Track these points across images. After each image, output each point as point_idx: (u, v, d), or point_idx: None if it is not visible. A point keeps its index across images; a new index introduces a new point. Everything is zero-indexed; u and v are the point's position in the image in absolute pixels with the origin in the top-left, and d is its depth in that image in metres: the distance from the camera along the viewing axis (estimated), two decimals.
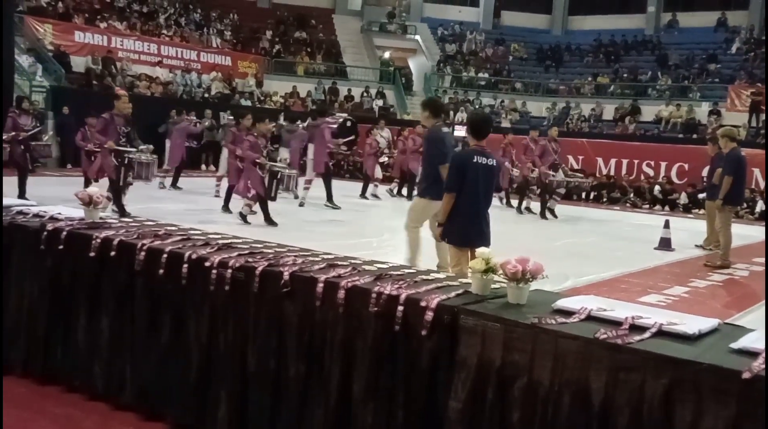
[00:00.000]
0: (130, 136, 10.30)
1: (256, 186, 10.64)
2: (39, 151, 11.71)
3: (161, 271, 3.71)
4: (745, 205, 12.41)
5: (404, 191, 16.49)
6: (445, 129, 7.19)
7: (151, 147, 10.85)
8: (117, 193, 10.04)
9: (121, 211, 9.35)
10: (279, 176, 12.26)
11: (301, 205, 13.13)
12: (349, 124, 17.13)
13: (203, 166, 21.11)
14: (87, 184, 10.81)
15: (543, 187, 14.11)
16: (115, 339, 3.93)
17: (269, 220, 10.55)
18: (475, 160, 5.29)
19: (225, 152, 13.62)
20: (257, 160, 10.66)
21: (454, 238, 5.40)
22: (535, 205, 14.51)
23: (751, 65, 26.85)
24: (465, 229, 5.32)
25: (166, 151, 15.67)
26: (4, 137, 10.81)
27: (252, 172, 10.65)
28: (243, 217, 10.78)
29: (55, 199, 5.69)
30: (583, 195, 18.28)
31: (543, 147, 13.99)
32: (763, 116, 23.46)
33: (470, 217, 5.33)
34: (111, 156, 10.05)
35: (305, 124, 15.52)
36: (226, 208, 11.78)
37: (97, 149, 10.76)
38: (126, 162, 10.14)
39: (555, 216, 14.33)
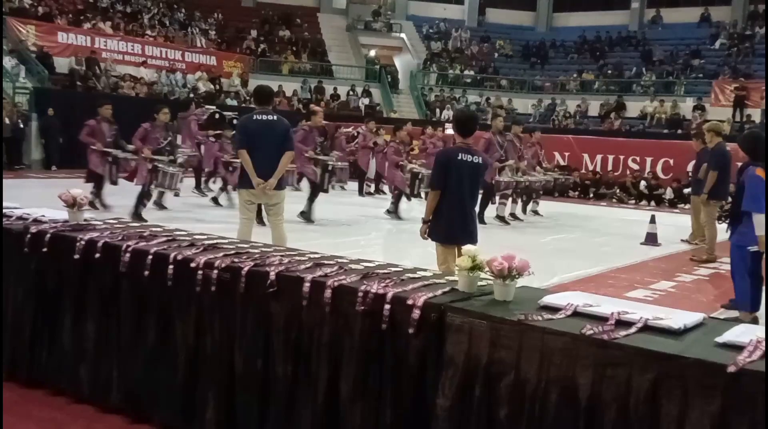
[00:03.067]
0: (172, 144, 10.72)
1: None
2: (123, 165, 11.61)
3: (146, 272, 3.69)
4: (729, 199, 12.47)
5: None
6: (259, 116, 6.86)
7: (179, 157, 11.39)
8: (140, 199, 10.36)
9: (139, 217, 9.71)
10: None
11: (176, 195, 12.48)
12: (217, 116, 17.03)
13: None
14: (93, 180, 11.22)
15: (486, 189, 11.46)
16: (101, 341, 3.91)
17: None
18: (459, 158, 5.26)
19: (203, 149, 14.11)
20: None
21: (440, 236, 5.37)
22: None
23: (735, 60, 27.05)
24: (450, 227, 5.29)
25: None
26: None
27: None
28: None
29: (40, 201, 5.64)
30: (569, 192, 18.31)
31: (488, 141, 12.19)
32: (747, 111, 23.64)
33: (456, 214, 5.30)
34: (147, 163, 10.31)
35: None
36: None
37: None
38: (152, 169, 10.42)
39: (506, 222, 12.60)
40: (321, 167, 11.89)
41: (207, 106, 17.38)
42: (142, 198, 10.44)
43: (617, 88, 27.97)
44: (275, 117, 6.90)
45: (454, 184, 5.26)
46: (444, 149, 6.90)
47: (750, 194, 5.99)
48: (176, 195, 11.76)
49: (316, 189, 11.71)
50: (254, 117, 6.81)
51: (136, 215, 10.01)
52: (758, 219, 5.81)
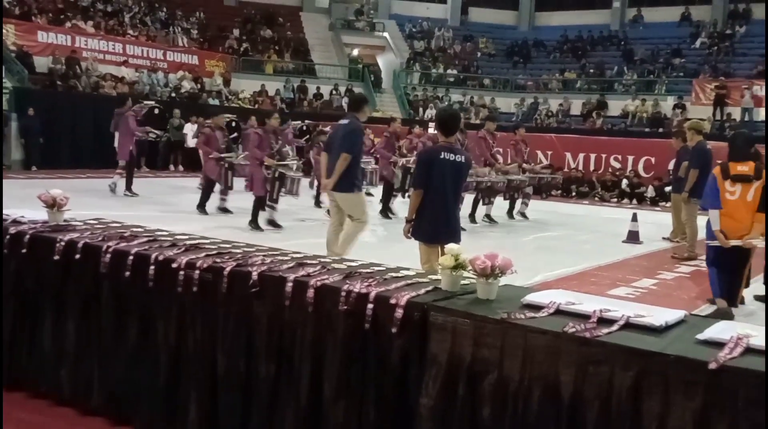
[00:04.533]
0: (280, 150, 10.89)
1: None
2: (238, 170, 11.81)
3: (127, 273, 3.66)
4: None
5: None
6: (341, 121, 7.54)
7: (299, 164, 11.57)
8: (260, 206, 10.53)
9: (257, 226, 10.30)
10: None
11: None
12: (156, 111, 17.04)
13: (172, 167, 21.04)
14: (206, 186, 11.86)
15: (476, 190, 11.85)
16: (82, 343, 3.88)
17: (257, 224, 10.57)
18: (442, 157, 5.26)
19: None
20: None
21: (423, 235, 5.37)
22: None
23: (715, 59, 27.29)
24: (433, 226, 5.29)
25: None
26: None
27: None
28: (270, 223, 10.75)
29: (20, 202, 5.58)
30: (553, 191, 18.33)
31: (481, 139, 12.13)
32: (727, 109, 23.86)
33: (438, 213, 5.30)
34: (262, 169, 10.41)
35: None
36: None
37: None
38: (277, 176, 10.56)
39: (495, 221, 12.56)
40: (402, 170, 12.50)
41: (145, 102, 17.32)
42: (257, 208, 10.54)
43: (599, 87, 28.13)
44: (347, 121, 7.23)
45: (437, 183, 5.25)
46: (426, 148, 6.93)
47: (706, 192, 6.56)
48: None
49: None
50: (337, 122, 7.39)
51: (254, 224, 10.34)
52: (712, 215, 6.36)
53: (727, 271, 6.53)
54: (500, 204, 12.85)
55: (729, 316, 6.25)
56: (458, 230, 5.48)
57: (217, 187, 11.86)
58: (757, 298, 7.37)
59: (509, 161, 13.38)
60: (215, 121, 12.17)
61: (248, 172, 10.89)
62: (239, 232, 9.63)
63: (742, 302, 7.15)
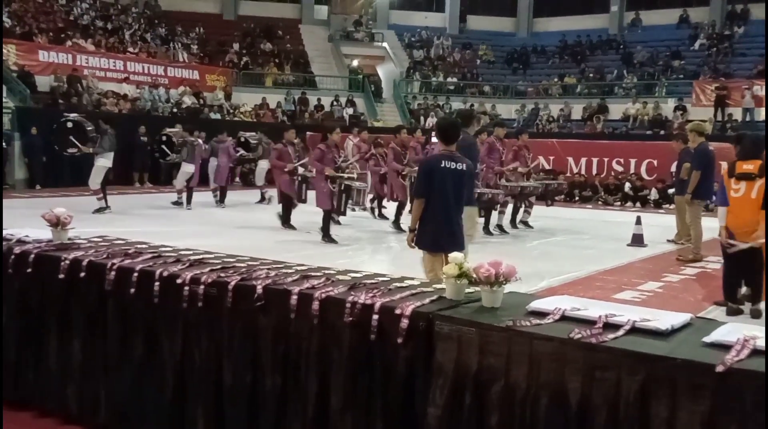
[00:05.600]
0: (341, 165, 11.04)
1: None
2: (311, 183, 11.75)
3: (132, 290, 3.66)
4: (714, 198, 12.56)
5: None
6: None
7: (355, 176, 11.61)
8: (329, 219, 10.65)
9: (330, 239, 10.39)
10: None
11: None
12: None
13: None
14: (284, 202, 11.89)
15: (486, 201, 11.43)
16: (88, 361, 3.88)
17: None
18: (443, 165, 5.26)
19: (261, 164, 16.37)
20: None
21: (426, 244, 5.37)
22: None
23: (715, 60, 27.28)
24: (436, 235, 5.29)
25: (210, 170, 15.72)
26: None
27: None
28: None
29: (24, 221, 5.59)
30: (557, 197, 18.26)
31: (490, 145, 11.97)
32: (728, 110, 23.84)
33: (441, 222, 5.29)
34: (327, 183, 10.52)
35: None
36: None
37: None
38: (343, 188, 10.81)
39: (506, 231, 12.35)
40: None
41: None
42: (327, 221, 10.63)
43: (599, 91, 28.12)
44: (461, 136, 7.41)
45: (438, 192, 5.26)
46: (427, 157, 6.95)
47: (718, 190, 6.87)
48: (363, 209, 12.70)
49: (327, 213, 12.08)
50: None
51: (327, 238, 10.43)
52: (719, 211, 6.64)
53: (740, 269, 6.64)
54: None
55: (737, 313, 6.55)
56: (461, 238, 5.48)
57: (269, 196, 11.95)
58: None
59: (510, 167, 13.17)
60: (287, 136, 12.23)
61: (313, 186, 11.04)
62: (264, 248, 9.63)
63: None
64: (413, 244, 5.47)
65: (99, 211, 13.00)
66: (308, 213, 11.66)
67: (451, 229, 5.35)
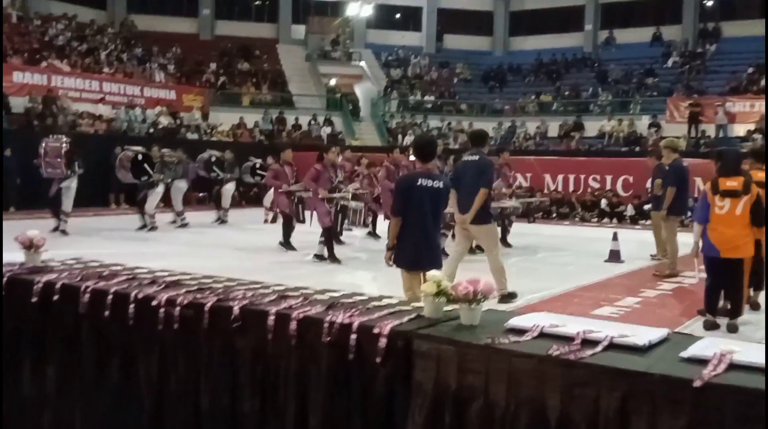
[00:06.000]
0: (339, 185, 11.10)
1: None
2: (308, 204, 11.80)
3: (107, 312, 3.61)
4: (689, 213, 12.72)
5: None
6: (468, 157, 7.93)
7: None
8: (329, 238, 10.64)
9: (333, 257, 10.44)
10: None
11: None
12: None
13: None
14: (285, 221, 11.88)
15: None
16: (63, 386, 3.81)
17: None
18: (419, 183, 5.28)
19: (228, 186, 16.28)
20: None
21: (404, 262, 5.37)
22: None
23: (688, 77, 27.72)
24: (414, 253, 5.29)
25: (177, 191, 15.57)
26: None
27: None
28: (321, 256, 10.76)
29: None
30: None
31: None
32: (701, 127, 24.18)
33: (419, 240, 5.30)
34: (324, 203, 10.59)
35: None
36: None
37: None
38: (339, 209, 10.91)
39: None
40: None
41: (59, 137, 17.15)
42: (330, 240, 10.62)
43: (575, 109, 28.43)
44: (477, 157, 7.70)
45: (416, 210, 5.27)
46: (403, 176, 7.00)
47: (697, 206, 7.10)
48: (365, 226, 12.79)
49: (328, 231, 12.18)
50: (463, 158, 7.84)
51: (332, 257, 10.45)
52: (695, 227, 6.90)
53: (722, 284, 6.79)
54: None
55: (714, 327, 6.65)
56: (440, 256, 5.49)
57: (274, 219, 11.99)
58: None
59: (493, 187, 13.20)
60: (283, 157, 12.24)
61: (311, 206, 11.06)
62: (243, 269, 9.57)
63: (757, 308, 7.44)
64: (391, 263, 5.46)
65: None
66: (306, 232, 11.70)
67: (428, 247, 5.34)
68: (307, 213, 11.70)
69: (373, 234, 13.43)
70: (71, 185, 13.11)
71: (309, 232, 11.29)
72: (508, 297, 7.73)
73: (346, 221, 11.08)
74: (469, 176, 7.62)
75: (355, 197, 11.35)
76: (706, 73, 28.12)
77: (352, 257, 11.22)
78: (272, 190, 13.35)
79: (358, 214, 11.19)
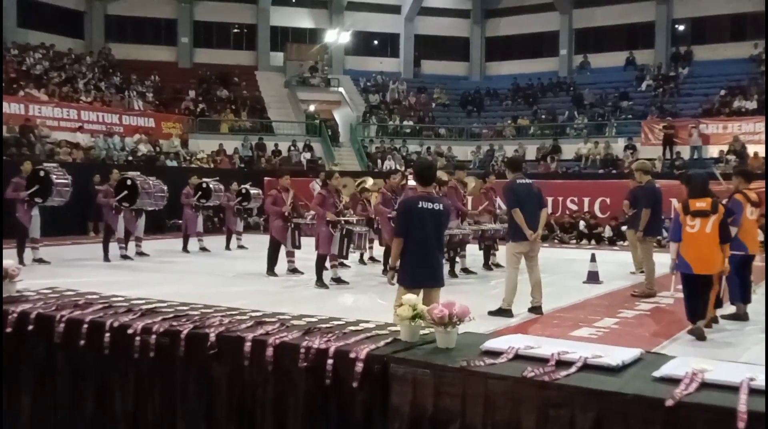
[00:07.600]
0: (342, 210, 11.24)
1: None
2: (305, 230, 11.95)
3: (82, 342, 3.59)
4: (665, 233, 12.91)
5: None
6: (521, 181, 8.49)
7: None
8: (322, 264, 10.67)
9: (322, 283, 10.45)
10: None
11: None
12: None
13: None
14: (273, 247, 11.87)
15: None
16: (38, 417, 3.77)
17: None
18: (420, 206, 5.49)
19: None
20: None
21: (405, 279, 5.55)
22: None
23: (661, 100, 28.13)
24: (414, 271, 5.48)
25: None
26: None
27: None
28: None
29: None
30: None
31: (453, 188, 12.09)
32: (676, 148, 24.50)
33: (419, 259, 5.49)
34: (328, 227, 10.67)
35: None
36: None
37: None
38: (345, 232, 11.06)
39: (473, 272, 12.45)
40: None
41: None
42: (321, 265, 10.64)
43: (552, 132, 28.70)
44: (529, 181, 8.66)
45: (417, 231, 5.46)
46: (405, 199, 7.19)
47: (671, 226, 7.61)
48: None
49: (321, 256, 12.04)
50: (518, 181, 8.38)
51: (320, 282, 10.48)
52: (671, 246, 7.37)
53: (693, 296, 7.21)
54: (472, 251, 13.02)
55: (701, 335, 7.11)
56: (441, 274, 5.70)
57: (283, 249, 11.86)
58: (724, 317, 8.04)
59: (479, 210, 13.36)
60: (281, 183, 12.16)
61: (315, 231, 11.07)
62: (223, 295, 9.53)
63: (716, 321, 7.76)
64: (393, 282, 5.67)
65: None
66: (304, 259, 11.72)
67: (429, 266, 5.55)
68: (303, 239, 11.82)
69: (370, 258, 13.58)
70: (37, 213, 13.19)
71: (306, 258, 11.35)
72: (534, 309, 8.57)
73: (351, 245, 11.17)
74: (534, 198, 8.42)
75: (359, 222, 11.50)
76: (680, 96, 28.55)
77: (357, 281, 11.27)
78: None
79: (363, 239, 11.27)
